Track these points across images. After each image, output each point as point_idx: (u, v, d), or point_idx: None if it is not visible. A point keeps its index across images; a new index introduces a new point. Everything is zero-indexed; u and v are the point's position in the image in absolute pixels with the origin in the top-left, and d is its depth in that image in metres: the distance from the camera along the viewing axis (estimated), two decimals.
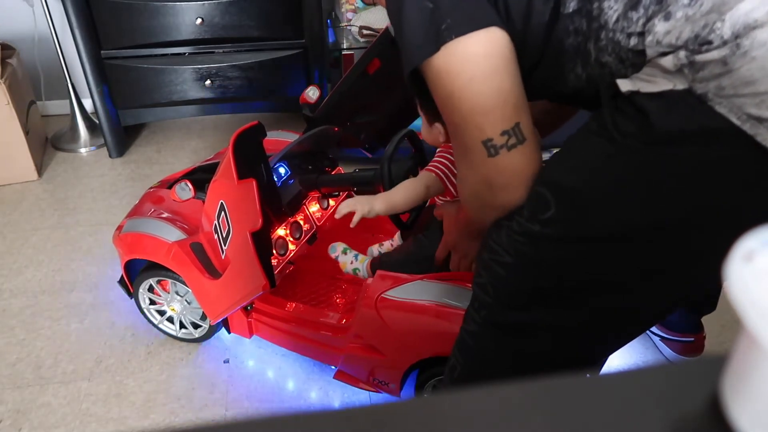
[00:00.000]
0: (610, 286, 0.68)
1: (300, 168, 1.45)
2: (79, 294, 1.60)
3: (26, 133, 2.05)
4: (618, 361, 1.39)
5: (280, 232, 1.38)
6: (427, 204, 1.27)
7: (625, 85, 0.60)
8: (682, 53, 0.56)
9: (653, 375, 0.33)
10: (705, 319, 1.35)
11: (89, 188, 2.08)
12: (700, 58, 0.55)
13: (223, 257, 1.23)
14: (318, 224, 1.49)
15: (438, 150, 1.19)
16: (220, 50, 2.07)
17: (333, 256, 1.35)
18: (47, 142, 2.34)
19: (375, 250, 1.39)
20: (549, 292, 0.71)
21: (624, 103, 0.61)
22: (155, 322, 1.46)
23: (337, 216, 1.13)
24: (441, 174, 1.15)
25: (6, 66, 2.01)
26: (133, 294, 1.44)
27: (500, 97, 0.65)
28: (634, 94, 0.60)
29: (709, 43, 0.55)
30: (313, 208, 1.50)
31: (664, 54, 0.58)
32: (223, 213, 1.19)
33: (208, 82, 2.07)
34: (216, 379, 1.36)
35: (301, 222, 1.44)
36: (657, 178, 0.60)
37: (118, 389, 1.33)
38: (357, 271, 1.28)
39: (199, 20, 1.96)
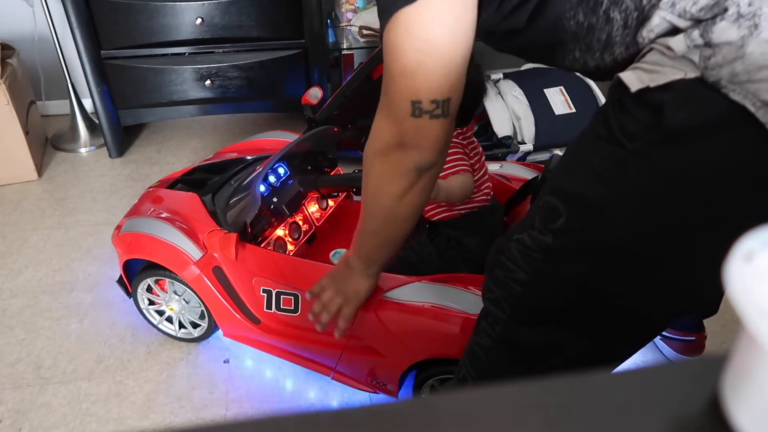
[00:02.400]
0: (626, 297, 0.66)
1: (299, 168, 1.45)
2: (79, 294, 1.60)
3: (26, 133, 2.05)
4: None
5: (279, 232, 1.38)
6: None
7: (632, 81, 0.58)
8: (695, 33, 0.54)
9: (653, 375, 0.33)
10: (705, 319, 1.35)
11: (89, 188, 2.08)
12: (716, 38, 0.53)
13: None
14: (317, 225, 1.49)
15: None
16: (220, 50, 2.06)
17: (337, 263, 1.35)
18: (47, 142, 2.34)
19: None
20: (565, 308, 0.69)
21: (630, 102, 0.59)
22: (154, 322, 1.46)
23: None
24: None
25: (6, 66, 2.01)
26: (131, 294, 1.44)
27: (446, 69, 0.67)
28: (645, 91, 0.57)
29: (725, 11, 0.52)
30: (312, 208, 1.50)
31: (675, 32, 0.56)
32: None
33: (208, 82, 2.07)
34: (216, 379, 1.36)
35: (300, 222, 1.44)
36: (671, 183, 0.58)
37: (118, 389, 1.33)
38: None
39: (199, 20, 1.96)
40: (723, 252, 0.63)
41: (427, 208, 1.23)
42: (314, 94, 1.55)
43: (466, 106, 1.10)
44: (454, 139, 1.16)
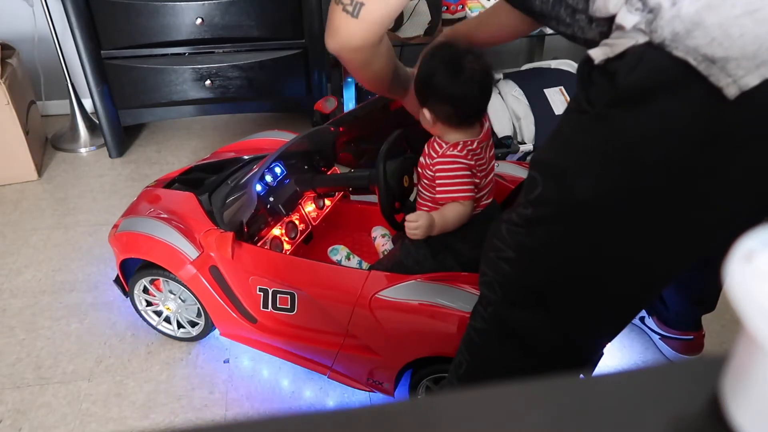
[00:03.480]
0: (609, 261, 0.69)
1: (296, 168, 1.46)
2: (79, 294, 1.60)
3: (26, 133, 2.05)
4: (618, 361, 1.39)
5: (276, 231, 1.38)
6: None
7: (597, 54, 0.63)
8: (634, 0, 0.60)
9: (653, 375, 0.33)
10: (705, 319, 1.35)
11: (89, 188, 2.08)
12: (652, 1, 0.59)
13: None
14: (313, 224, 1.49)
15: (453, 173, 1.12)
16: (220, 50, 2.06)
17: (335, 259, 1.35)
18: (47, 142, 2.34)
19: (380, 239, 1.40)
20: (550, 281, 0.73)
21: (596, 74, 0.64)
22: (153, 323, 1.46)
23: (414, 237, 1.13)
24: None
25: (6, 66, 2.01)
26: (128, 293, 1.44)
27: None
28: (606, 62, 0.62)
29: None
30: (309, 207, 1.50)
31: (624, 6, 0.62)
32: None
33: (208, 82, 2.07)
34: (216, 379, 1.36)
35: (297, 222, 1.44)
36: (626, 140, 0.63)
37: (118, 389, 1.33)
38: None
39: (199, 20, 1.96)
40: (684, 213, 0.64)
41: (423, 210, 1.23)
42: (329, 103, 1.55)
43: (470, 98, 1.09)
44: (459, 158, 1.09)
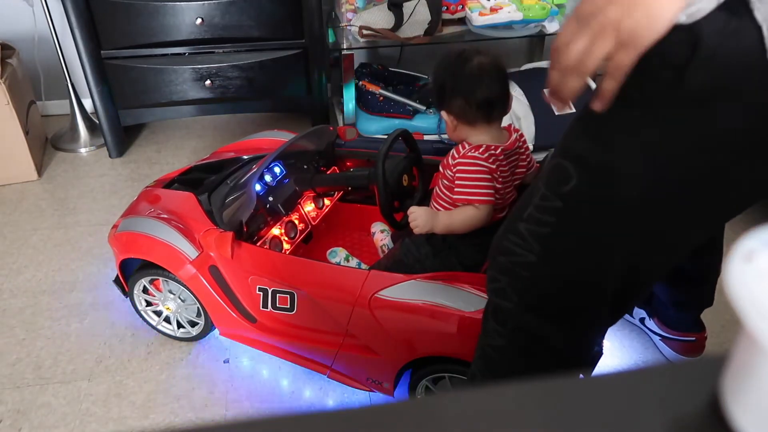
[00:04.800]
0: (644, 255, 0.67)
1: (295, 167, 1.46)
2: (79, 294, 1.60)
3: (26, 133, 2.05)
4: (618, 361, 1.39)
5: (275, 231, 1.38)
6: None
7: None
8: None
9: (653, 375, 0.33)
10: (705, 319, 1.35)
11: (89, 188, 2.08)
12: None
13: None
14: (313, 224, 1.49)
15: (473, 176, 1.13)
16: (220, 50, 2.06)
17: (334, 262, 1.35)
18: (47, 142, 2.34)
19: (379, 235, 1.41)
20: (581, 283, 0.69)
21: (657, 64, 0.55)
22: (153, 323, 1.46)
23: (416, 231, 1.15)
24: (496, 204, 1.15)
25: (6, 66, 2.01)
26: (128, 293, 1.44)
27: None
28: (671, 38, 0.52)
29: None
30: (309, 207, 1.50)
31: None
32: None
33: (208, 82, 2.07)
34: (216, 379, 1.36)
35: (296, 221, 1.44)
36: (686, 146, 0.58)
37: (118, 389, 1.33)
38: None
39: (199, 20, 1.96)
40: (721, 197, 0.64)
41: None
42: (351, 133, 1.62)
43: (480, 87, 1.09)
44: (480, 160, 1.10)
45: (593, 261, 0.68)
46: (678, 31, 0.52)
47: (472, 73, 1.09)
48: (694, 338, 1.34)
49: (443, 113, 1.15)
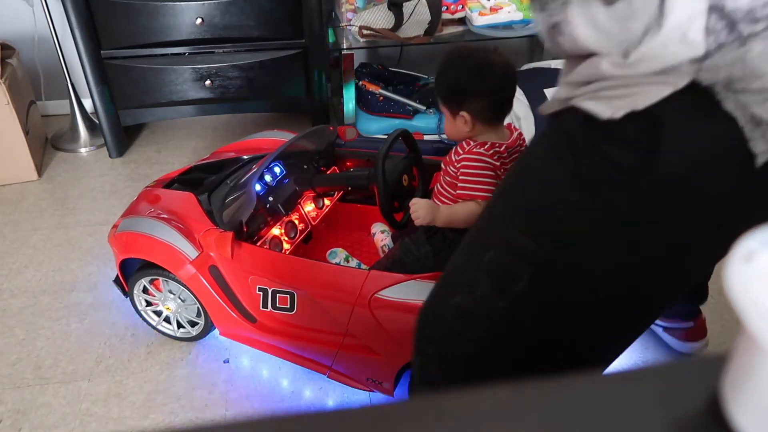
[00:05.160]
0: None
1: (295, 167, 1.46)
2: (79, 294, 1.60)
3: (26, 133, 2.05)
4: (618, 361, 1.39)
5: (275, 231, 1.38)
6: None
7: (600, 109, 0.49)
8: (714, 16, 0.44)
9: (653, 375, 0.33)
10: (705, 319, 1.35)
11: (89, 188, 2.08)
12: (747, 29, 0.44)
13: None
14: (313, 223, 1.49)
15: (476, 172, 1.13)
16: (220, 50, 2.06)
17: (333, 262, 1.35)
18: (47, 142, 2.34)
19: (379, 235, 1.41)
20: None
21: (602, 136, 0.50)
22: (153, 323, 1.46)
23: (417, 223, 1.15)
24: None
25: (6, 66, 2.01)
26: (128, 293, 1.44)
27: None
28: (625, 121, 0.48)
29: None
30: (308, 207, 1.50)
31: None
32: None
33: (208, 82, 2.07)
34: (216, 379, 1.36)
35: (296, 221, 1.44)
36: (656, 231, 0.53)
37: (118, 389, 1.33)
38: None
39: (199, 20, 1.96)
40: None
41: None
42: (351, 133, 1.61)
43: (501, 87, 1.10)
44: (485, 156, 1.11)
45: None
46: (636, 118, 0.48)
47: (498, 74, 1.11)
48: (692, 323, 1.34)
49: (462, 113, 1.13)
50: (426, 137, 1.95)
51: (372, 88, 1.99)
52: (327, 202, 1.56)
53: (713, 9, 0.43)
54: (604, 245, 0.54)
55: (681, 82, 0.46)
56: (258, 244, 1.30)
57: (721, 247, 0.53)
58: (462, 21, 1.95)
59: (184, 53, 2.05)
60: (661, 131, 0.48)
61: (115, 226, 1.42)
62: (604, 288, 0.56)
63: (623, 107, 0.48)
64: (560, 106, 0.55)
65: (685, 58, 0.45)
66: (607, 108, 0.49)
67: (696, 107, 0.47)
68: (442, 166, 1.20)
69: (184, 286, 1.31)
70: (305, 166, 1.50)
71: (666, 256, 0.55)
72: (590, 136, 0.52)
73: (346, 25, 1.87)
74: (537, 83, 1.96)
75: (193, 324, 1.42)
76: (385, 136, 1.27)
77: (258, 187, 1.33)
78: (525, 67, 2.11)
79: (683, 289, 0.63)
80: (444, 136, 1.89)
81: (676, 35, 0.44)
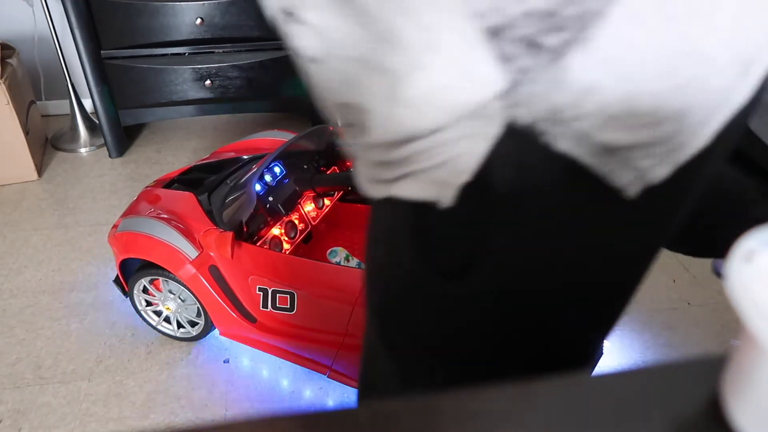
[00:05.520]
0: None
1: (295, 167, 1.46)
2: (79, 294, 1.60)
3: (26, 133, 2.05)
4: (618, 361, 1.39)
5: (275, 231, 1.38)
6: None
7: (413, 191, 0.42)
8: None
9: (653, 375, 0.33)
10: (705, 320, 1.35)
11: (89, 188, 2.08)
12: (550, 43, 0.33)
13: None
14: (313, 223, 1.49)
15: None
16: (220, 50, 2.06)
17: (334, 262, 1.35)
18: (47, 142, 2.34)
19: None
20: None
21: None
22: (153, 323, 1.46)
23: None
24: None
25: (6, 66, 2.01)
26: (128, 293, 1.44)
27: None
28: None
29: (560, 29, 0.33)
30: (308, 207, 1.50)
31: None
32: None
33: (208, 82, 2.07)
34: (216, 379, 1.36)
35: (296, 221, 1.44)
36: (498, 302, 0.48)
37: (118, 389, 1.33)
38: None
39: (199, 20, 1.96)
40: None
41: None
42: None
43: None
44: None
45: None
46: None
47: None
48: None
49: None
50: None
51: None
52: (327, 202, 1.56)
53: (493, 33, 0.33)
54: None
55: (492, 129, 0.36)
56: (258, 244, 1.30)
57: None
58: None
59: (184, 53, 2.05)
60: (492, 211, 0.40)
61: (115, 226, 1.42)
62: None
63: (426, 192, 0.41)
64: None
65: (481, 99, 0.35)
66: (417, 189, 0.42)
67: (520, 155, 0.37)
68: None
69: (184, 286, 1.31)
70: (305, 166, 1.50)
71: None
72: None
73: None
74: None
75: (193, 324, 1.42)
76: None
77: (258, 187, 1.33)
78: None
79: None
80: None
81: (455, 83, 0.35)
